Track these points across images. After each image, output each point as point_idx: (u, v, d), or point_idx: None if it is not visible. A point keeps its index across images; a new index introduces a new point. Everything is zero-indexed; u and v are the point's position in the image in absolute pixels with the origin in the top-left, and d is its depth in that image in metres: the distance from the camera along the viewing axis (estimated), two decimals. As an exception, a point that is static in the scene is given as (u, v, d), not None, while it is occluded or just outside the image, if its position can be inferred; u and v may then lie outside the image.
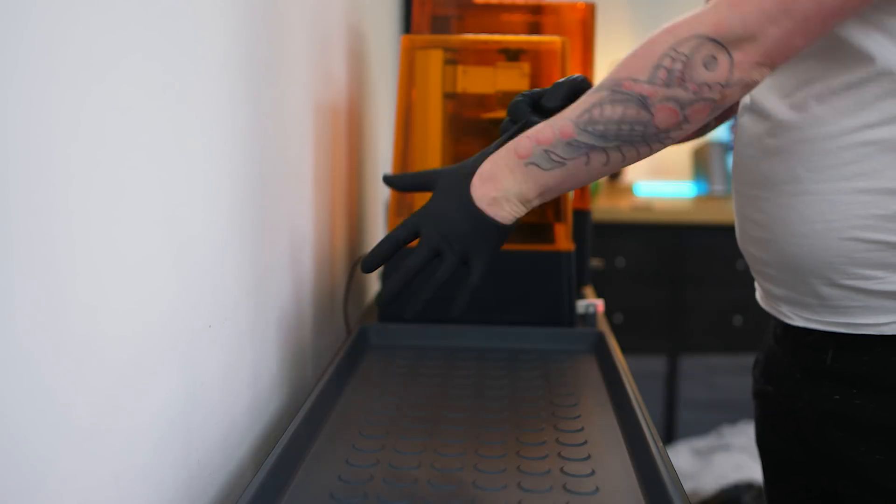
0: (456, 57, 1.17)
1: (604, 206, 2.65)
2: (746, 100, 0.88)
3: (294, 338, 1.01)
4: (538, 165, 0.75)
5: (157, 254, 0.60)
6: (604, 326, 1.16)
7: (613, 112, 0.72)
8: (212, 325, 0.72)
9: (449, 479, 0.69)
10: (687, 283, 2.65)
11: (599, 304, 1.18)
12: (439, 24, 1.37)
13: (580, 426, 0.81)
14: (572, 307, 1.13)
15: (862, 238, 0.76)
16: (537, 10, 1.36)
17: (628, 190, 3.08)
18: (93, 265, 0.51)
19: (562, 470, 0.71)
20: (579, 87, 0.84)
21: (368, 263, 0.81)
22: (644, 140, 0.73)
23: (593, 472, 0.70)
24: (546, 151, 0.75)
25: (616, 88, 0.72)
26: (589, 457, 0.74)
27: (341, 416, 0.83)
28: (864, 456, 0.80)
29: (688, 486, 2.27)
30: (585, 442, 0.77)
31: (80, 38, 0.48)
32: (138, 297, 0.57)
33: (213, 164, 0.72)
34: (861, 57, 0.75)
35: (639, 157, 0.76)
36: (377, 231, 1.76)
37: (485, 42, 1.20)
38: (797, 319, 0.84)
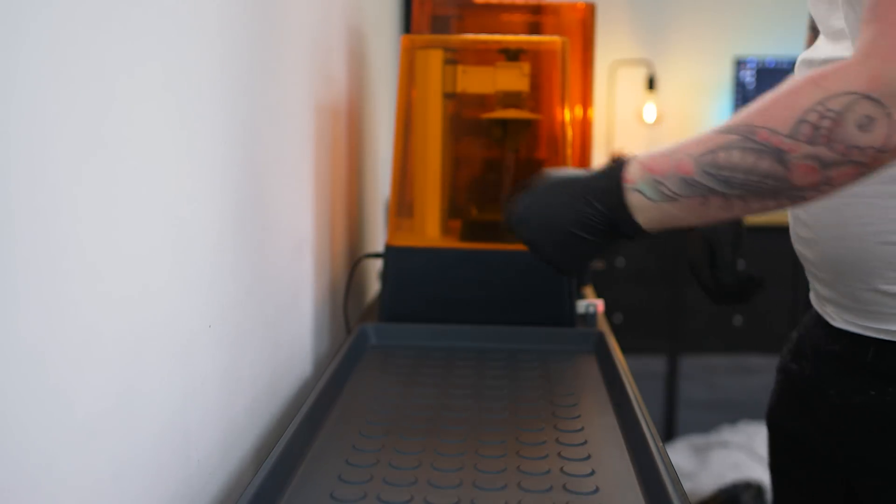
0: (456, 57, 1.17)
1: (604, 206, 2.65)
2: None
3: (294, 338, 1.01)
4: (643, 193, 0.72)
5: (157, 253, 0.60)
6: (604, 326, 1.16)
7: (743, 160, 0.67)
8: (212, 324, 0.72)
9: (449, 479, 0.69)
10: (687, 283, 2.65)
11: (599, 304, 1.18)
12: (439, 24, 1.37)
13: (580, 426, 0.81)
14: (572, 307, 1.13)
15: None
16: (537, 10, 1.36)
17: (628, 190, 3.08)
18: (93, 265, 0.51)
19: (562, 470, 0.71)
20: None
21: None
22: (774, 195, 0.68)
23: (593, 472, 0.71)
24: (656, 181, 0.71)
25: (750, 136, 0.67)
26: (589, 457, 0.74)
27: (341, 415, 0.83)
28: (890, 451, 0.79)
29: (687, 485, 2.27)
30: (585, 442, 0.77)
31: (81, 37, 0.48)
32: (138, 296, 0.58)
33: (213, 163, 0.72)
34: None
35: (764, 210, 0.70)
36: (377, 231, 1.76)
37: (485, 42, 1.20)
38: (839, 321, 0.83)
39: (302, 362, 1.06)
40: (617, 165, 0.74)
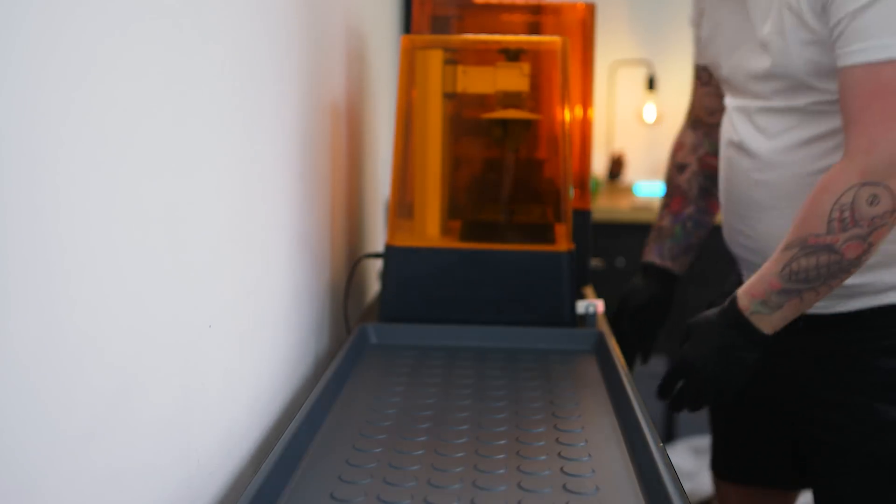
0: (456, 57, 1.17)
1: (604, 206, 2.65)
2: (734, 136, 1.13)
3: (294, 338, 1.02)
4: (760, 312, 0.99)
5: (157, 253, 0.60)
6: (604, 326, 1.16)
7: (809, 262, 0.95)
8: (212, 324, 0.72)
9: (449, 479, 0.69)
10: (687, 283, 2.65)
11: (599, 305, 1.18)
12: (439, 25, 1.37)
13: (580, 426, 0.81)
14: (572, 307, 1.13)
15: None
16: (537, 10, 1.36)
17: (628, 190, 3.08)
18: (93, 265, 0.51)
19: (562, 470, 0.71)
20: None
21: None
22: (841, 271, 0.95)
23: (593, 472, 0.71)
24: (763, 301, 0.98)
25: (804, 245, 0.95)
26: (589, 456, 0.74)
27: (341, 415, 0.83)
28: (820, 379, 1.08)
29: (687, 485, 2.27)
30: (585, 442, 0.77)
31: (82, 37, 0.48)
32: (138, 296, 0.58)
33: (213, 163, 0.72)
34: (832, 115, 1.01)
35: (842, 281, 0.97)
36: (377, 231, 1.76)
37: (485, 42, 1.20)
38: None
39: (302, 362, 1.06)
40: (731, 307, 1.01)
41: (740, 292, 1.00)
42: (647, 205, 2.67)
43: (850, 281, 1.01)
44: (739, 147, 1.12)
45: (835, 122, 1.02)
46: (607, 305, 1.21)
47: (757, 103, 1.09)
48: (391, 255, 1.14)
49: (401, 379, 0.95)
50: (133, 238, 0.56)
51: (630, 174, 3.20)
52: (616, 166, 3.16)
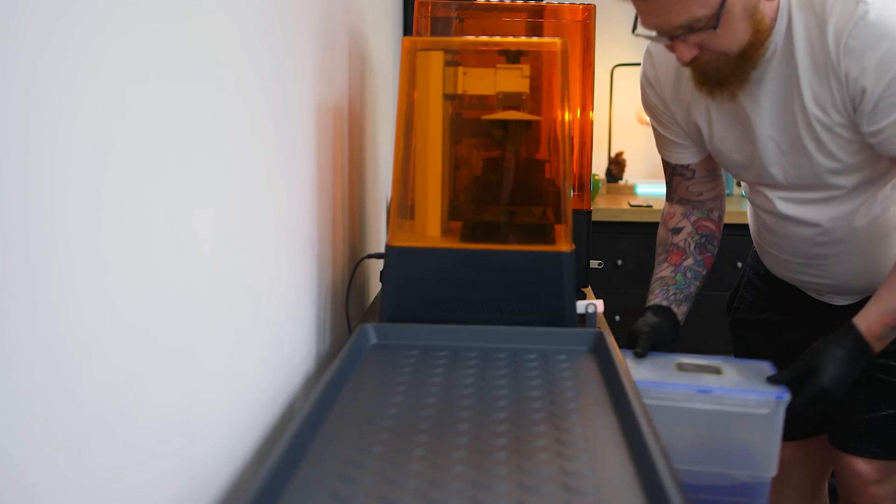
0: (456, 58, 1.17)
1: (604, 207, 2.66)
2: (781, 210, 1.28)
3: (295, 338, 1.02)
4: (887, 336, 1.17)
5: (158, 253, 0.61)
6: (603, 326, 1.17)
7: None
8: (212, 324, 0.73)
9: (449, 478, 0.69)
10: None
11: (599, 305, 1.18)
12: (440, 26, 1.38)
13: (580, 426, 0.81)
14: (572, 307, 1.13)
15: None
16: (537, 11, 1.37)
17: (628, 190, 3.08)
18: (93, 264, 0.51)
19: (562, 469, 0.71)
20: None
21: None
22: None
23: (593, 472, 0.71)
24: (893, 328, 1.17)
25: None
26: (589, 456, 0.74)
27: (342, 415, 0.84)
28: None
29: (687, 486, 2.27)
30: (585, 442, 0.77)
31: (81, 37, 0.49)
32: (139, 297, 0.58)
33: (215, 163, 0.72)
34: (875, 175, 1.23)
35: None
36: (378, 231, 1.76)
37: (485, 44, 1.21)
38: (839, 300, 1.35)
39: (303, 362, 1.06)
40: (858, 338, 1.17)
41: (870, 323, 1.16)
42: (648, 205, 2.68)
43: None
44: (793, 219, 1.28)
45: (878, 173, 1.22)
46: (611, 304, 1.22)
47: (805, 195, 1.25)
48: (392, 255, 1.14)
49: (402, 378, 0.95)
50: (134, 238, 0.57)
51: (630, 175, 3.21)
52: (616, 167, 3.16)
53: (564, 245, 1.14)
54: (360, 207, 1.50)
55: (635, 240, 2.64)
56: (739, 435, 1.09)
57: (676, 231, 1.40)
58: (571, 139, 1.30)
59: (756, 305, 1.47)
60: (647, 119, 1.83)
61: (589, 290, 1.40)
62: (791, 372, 1.16)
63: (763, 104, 1.18)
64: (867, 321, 1.16)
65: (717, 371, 1.15)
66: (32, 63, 0.43)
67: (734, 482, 1.09)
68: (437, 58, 1.15)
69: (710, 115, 1.26)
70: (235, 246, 0.78)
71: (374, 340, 1.08)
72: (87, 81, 0.49)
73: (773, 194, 1.28)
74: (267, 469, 0.66)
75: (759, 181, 1.28)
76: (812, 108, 1.14)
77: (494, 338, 1.08)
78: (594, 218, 1.58)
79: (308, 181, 1.05)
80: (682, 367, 1.18)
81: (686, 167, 1.36)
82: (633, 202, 2.76)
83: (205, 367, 0.71)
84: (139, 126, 0.57)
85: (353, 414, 0.84)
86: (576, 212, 1.25)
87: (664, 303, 1.34)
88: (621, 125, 3.21)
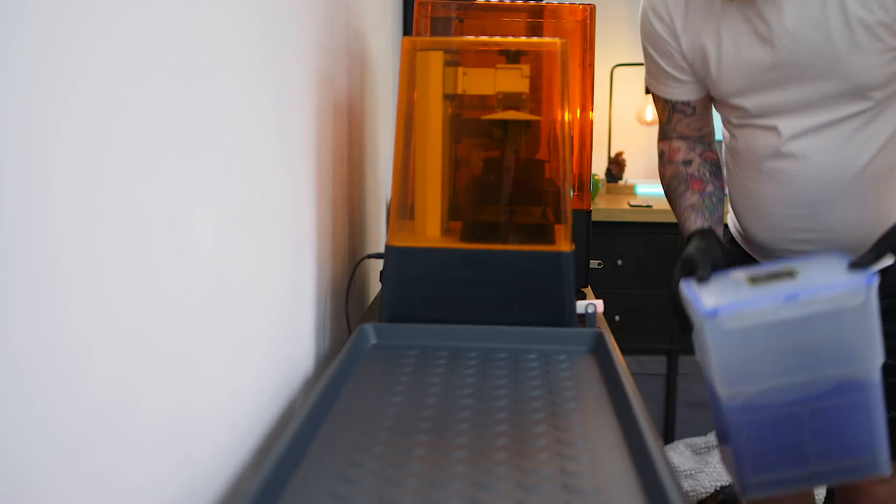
0: (456, 59, 1.17)
1: (604, 207, 2.66)
2: (779, 148, 1.21)
3: (295, 338, 1.02)
4: None
5: (158, 253, 0.61)
6: (603, 326, 1.17)
7: None
8: (212, 324, 0.73)
9: (449, 478, 0.70)
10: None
11: (599, 304, 1.18)
12: (440, 26, 1.38)
13: (580, 426, 0.81)
14: (572, 307, 1.13)
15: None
16: (537, 12, 1.37)
17: (628, 190, 3.09)
18: (94, 264, 0.51)
19: (561, 469, 0.71)
20: None
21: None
22: None
23: (593, 472, 0.71)
24: None
25: None
26: (588, 456, 0.74)
27: (342, 415, 0.84)
28: None
29: (686, 485, 2.27)
30: (585, 442, 0.77)
31: (82, 37, 0.49)
32: (139, 296, 0.58)
33: (215, 163, 0.72)
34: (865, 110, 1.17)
35: None
36: (378, 231, 1.76)
37: (485, 44, 1.21)
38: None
39: (303, 362, 1.06)
40: None
41: None
42: (647, 205, 2.68)
43: None
44: (788, 156, 1.21)
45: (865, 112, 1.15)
46: (611, 304, 1.21)
47: (805, 122, 1.18)
48: (392, 255, 1.14)
49: (401, 379, 0.95)
50: (133, 239, 0.57)
51: (629, 175, 3.21)
52: (616, 167, 3.16)
53: (564, 245, 1.14)
54: (360, 207, 1.50)
55: (635, 240, 2.64)
56: (838, 332, 1.01)
57: (687, 163, 1.35)
58: (571, 139, 1.30)
59: None
60: (646, 122, 1.81)
61: (589, 290, 1.40)
62: (872, 254, 1.05)
63: (786, 7, 1.13)
64: None
65: (792, 274, 1.05)
66: (33, 64, 0.43)
67: (845, 381, 1.01)
68: (437, 58, 1.15)
69: (719, 35, 1.21)
70: (235, 246, 0.78)
71: (373, 340, 1.08)
72: (88, 82, 0.49)
73: (778, 122, 1.23)
74: (267, 469, 0.66)
75: (762, 107, 1.23)
76: (853, 4, 1.09)
77: (494, 338, 1.08)
78: (594, 218, 1.58)
79: (308, 181, 1.05)
80: (754, 280, 1.07)
81: (687, 103, 1.34)
82: (632, 202, 2.76)
83: (205, 366, 0.71)
84: (139, 126, 0.57)
85: (352, 414, 0.84)
86: (575, 212, 1.25)
87: (706, 225, 1.27)
88: (621, 125, 3.21)
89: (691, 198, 1.31)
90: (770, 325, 0.99)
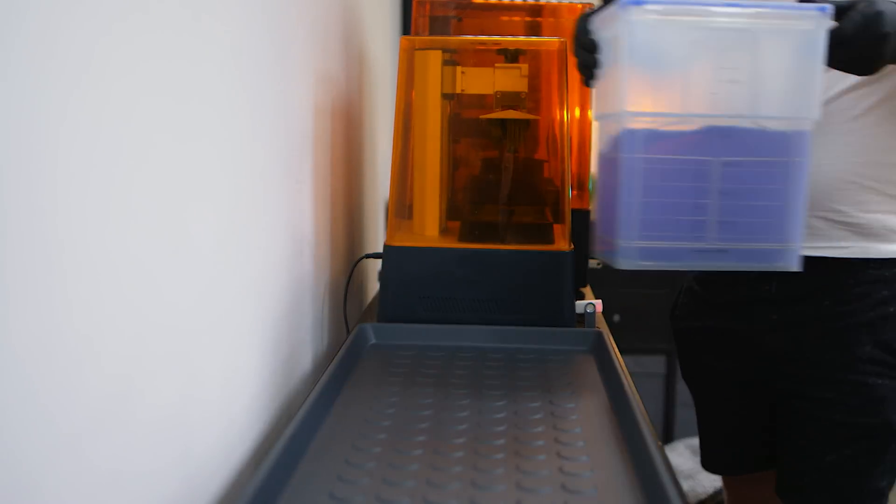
0: (455, 58, 1.17)
1: (603, 207, 2.65)
2: None
3: (294, 337, 1.02)
4: None
5: (157, 253, 0.61)
6: (602, 326, 1.17)
7: None
8: (211, 324, 0.72)
9: (448, 479, 0.69)
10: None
11: (598, 304, 1.18)
12: (438, 25, 1.38)
13: (579, 426, 0.81)
14: (571, 307, 1.13)
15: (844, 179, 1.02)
16: (536, 10, 1.37)
17: (627, 190, 3.08)
18: (93, 264, 0.51)
19: (560, 469, 0.71)
20: None
21: None
22: None
23: (592, 472, 0.71)
24: None
25: None
26: (587, 456, 0.74)
27: (341, 415, 0.84)
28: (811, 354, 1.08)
29: (686, 485, 2.27)
30: (584, 442, 0.77)
31: (82, 37, 0.49)
32: (137, 296, 0.58)
33: (213, 163, 0.72)
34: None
35: None
36: (377, 231, 1.76)
37: (483, 43, 1.20)
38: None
39: (302, 362, 1.06)
40: None
41: None
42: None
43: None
44: None
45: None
46: (610, 304, 1.20)
47: None
48: (390, 255, 1.14)
49: (400, 379, 0.95)
50: (133, 238, 0.57)
51: (629, 174, 3.20)
52: (615, 166, 3.16)
53: (563, 244, 1.14)
54: (359, 207, 1.50)
55: (634, 239, 2.64)
56: (771, 64, 0.86)
57: None
58: (570, 138, 1.30)
59: (695, 312, 1.26)
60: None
61: (588, 290, 1.40)
62: None
63: None
64: None
65: None
66: (34, 65, 0.43)
67: (769, 133, 0.87)
68: (436, 57, 1.15)
69: None
70: (234, 246, 0.78)
71: (372, 340, 1.08)
72: (88, 82, 0.49)
73: None
74: (265, 469, 0.65)
75: None
76: None
77: (493, 338, 1.08)
78: (593, 218, 1.57)
79: (307, 181, 1.05)
80: None
81: None
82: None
83: (203, 366, 0.71)
84: (134, 125, 0.56)
85: (351, 414, 0.84)
86: (575, 211, 1.25)
87: None
88: (620, 125, 3.21)
89: None
90: (698, 31, 0.84)
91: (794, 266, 0.90)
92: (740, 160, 0.87)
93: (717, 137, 0.87)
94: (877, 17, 0.87)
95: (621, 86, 0.85)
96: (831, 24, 0.85)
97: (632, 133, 0.85)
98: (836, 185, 1.03)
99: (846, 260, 1.05)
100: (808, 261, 1.01)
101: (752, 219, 0.89)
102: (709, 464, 1.31)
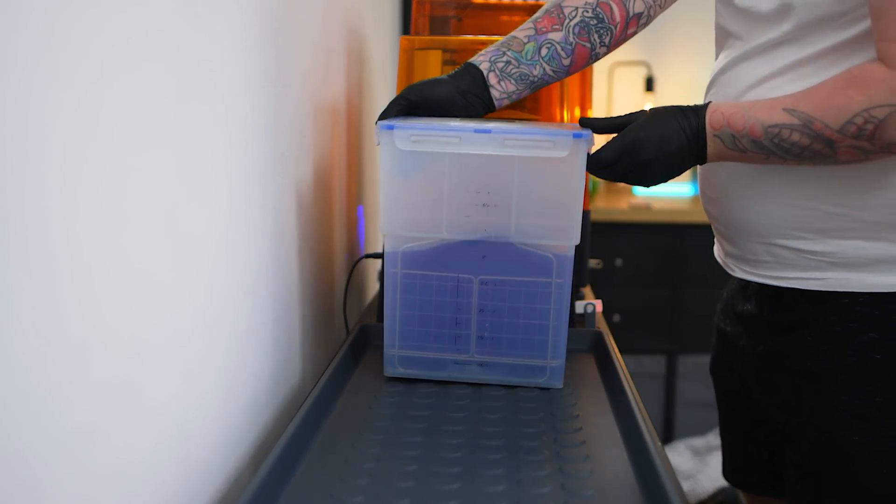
0: (454, 57, 1.17)
1: (603, 206, 2.65)
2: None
3: (293, 338, 1.02)
4: (722, 141, 0.88)
5: (157, 253, 0.60)
6: (602, 326, 1.17)
7: (801, 140, 0.84)
8: (211, 324, 0.72)
9: (447, 478, 0.69)
10: (685, 283, 2.66)
11: (598, 305, 1.18)
12: (438, 25, 1.38)
13: (579, 426, 0.81)
14: (571, 307, 1.13)
15: (798, 205, 0.91)
16: (535, 10, 1.37)
17: (627, 190, 3.08)
18: (93, 264, 0.51)
19: (560, 470, 0.71)
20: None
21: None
22: (818, 161, 0.86)
23: (592, 472, 0.71)
24: (733, 136, 0.87)
25: (808, 125, 0.84)
26: (587, 457, 0.74)
27: (340, 415, 0.84)
28: (791, 395, 0.95)
29: (686, 485, 2.27)
30: (584, 442, 0.77)
31: (82, 36, 0.48)
32: (137, 296, 0.58)
33: (213, 163, 0.72)
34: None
35: (811, 165, 0.88)
36: (376, 231, 1.76)
37: (483, 43, 1.20)
38: (738, 272, 0.99)
39: (302, 362, 1.06)
40: (700, 115, 0.89)
41: (717, 112, 0.87)
42: (646, 205, 2.68)
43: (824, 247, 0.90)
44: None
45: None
46: (610, 304, 1.18)
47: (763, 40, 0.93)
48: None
49: (399, 378, 0.95)
50: (134, 238, 0.57)
51: (629, 174, 3.21)
52: (615, 167, 3.16)
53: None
54: (358, 206, 1.50)
55: (634, 240, 2.64)
56: (528, 190, 0.86)
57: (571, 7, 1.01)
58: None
59: (721, 313, 1.12)
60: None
61: (588, 290, 1.40)
62: (608, 120, 0.92)
63: None
64: (719, 108, 0.88)
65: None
66: (35, 66, 0.43)
67: (527, 254, 0.88)
68: (435, 57, 1.15)
69: None
70: (233, 246, 0.78)
71: (372, 340, 1.07)
72: (88, 82, 0.49)
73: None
74: (265, 469, 0.65)
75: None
76: None
77: (493, 337, 1.08)
78: (593, 218, 1.58)
79: (306, 180, 1.05)
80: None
81: None
82: (632, 202, 2.76)
83: (202, 367, 0.70)
84: (136, 125, 0.56)
85: (351, 414, 0.84)
86: (574, 211, 1.24)
87: (485, 65, 0.98)
88: (620, 125, 3.21)
89: (522, 31, 1.01)
90: (451, 156, 0.85)
91: (558, 384, 0.91)
92: (500, 279, 0.89)
93: (477, 255, 0.89)
94: (634, 146, 0.88)
95: (381, 204, 0.89)
96: (588, 150, 0.87)
97: (392, 247, 0.89)
98: (791, 211, 0.91)
99: (827, 293, 0.91)
100: (790, 292, 0.93)
101: (513, 335, 0.91)
102: (728, 475, 1.18)
